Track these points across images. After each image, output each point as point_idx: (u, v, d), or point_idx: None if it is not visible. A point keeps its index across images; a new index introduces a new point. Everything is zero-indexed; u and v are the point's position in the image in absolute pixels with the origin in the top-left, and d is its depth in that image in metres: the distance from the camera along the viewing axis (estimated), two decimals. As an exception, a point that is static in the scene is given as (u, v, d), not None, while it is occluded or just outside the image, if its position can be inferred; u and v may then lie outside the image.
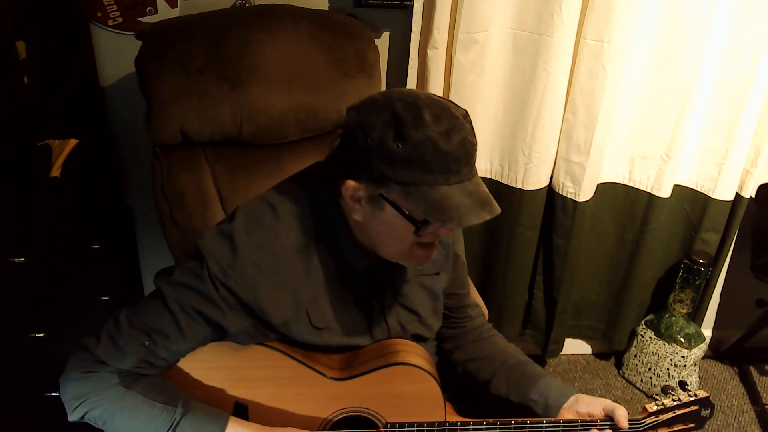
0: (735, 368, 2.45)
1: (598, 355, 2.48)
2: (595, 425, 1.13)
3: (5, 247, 1.24)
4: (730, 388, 2.37)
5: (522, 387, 1.23)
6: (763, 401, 2.30)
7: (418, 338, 1.25)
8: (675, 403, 1.16)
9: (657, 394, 1.18)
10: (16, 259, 1.24)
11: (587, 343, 2.47)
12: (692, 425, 1.18)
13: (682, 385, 1.20)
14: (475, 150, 0.98)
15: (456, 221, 0.94)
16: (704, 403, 1.17)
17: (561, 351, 2.31)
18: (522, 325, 2.26)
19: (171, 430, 1.00)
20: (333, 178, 1.03)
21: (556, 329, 2.21)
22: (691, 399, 1.17)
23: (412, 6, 1.73)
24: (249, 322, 1.06)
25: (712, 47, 1.79)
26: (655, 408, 1.16)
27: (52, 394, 1.33)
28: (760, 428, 2.20)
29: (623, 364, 2.37)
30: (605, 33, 1.70)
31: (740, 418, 2.23)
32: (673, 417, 1.16)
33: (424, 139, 0.91)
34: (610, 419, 1.14)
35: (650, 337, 2.24)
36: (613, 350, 2.42)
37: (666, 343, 2.20)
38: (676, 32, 1.78)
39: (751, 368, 2.44)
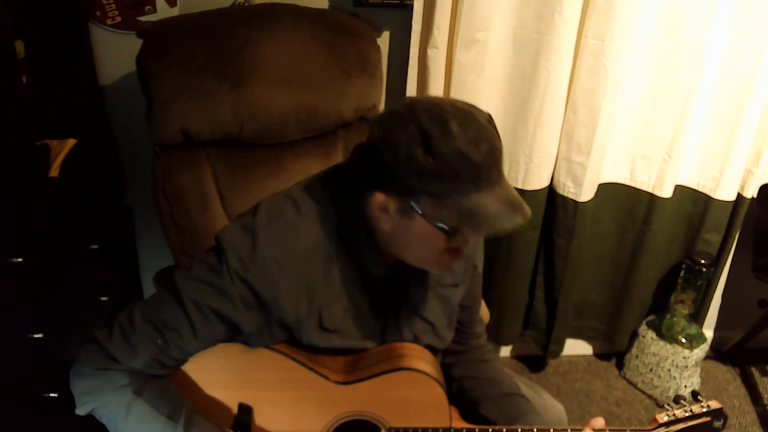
0: (736, 369, 2.45)
1: (599, 355, 2.47)
2: None
3: (5, 247, 1.24)
4: (731, 388, 2.36)
5: (511, 418, 1.22)
6: (765, 402, 2.30)
7: (430, 349, 1.24)
8: (686, 414, 1.13)
9: (668, 404, 1.15)
10: (16, 259, 1.24)
11: (588, 343, 2.46)
12: None
13: (695, 395, 1.17)
14: (502, 154, 0.97)
15: (489, 228, 0.94)
16: (717, 414, 1.14)
17: (562, 351, 2.31)
18: (523, 325, 2.26)
19: None
20: (356, 186, 1.02)
21: (557, 330, 2.20)
22: (704, 410, 1.13)
23: (412, 5, 1.73)
24: (262, 319, 1.06)
25: (713, 47, 1.79)
26: (665, 419, 1.12)
27: (52, 395, 1.32)
28: (762, 429, 2.19)
29: (624, 365, 2.37)
30: (606, 32, 1.70)
31: (742, 419, 2.22)
32: (684, 429, 1.13)
33: (454, 152, 0.91)
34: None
35: (651, 338, 2.23)
36: (614, 351, 2.41)
37: (667, 344, 2.20)
38: (677, 32, 1.78)
39: (753, 369, 2.44)
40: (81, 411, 1.02)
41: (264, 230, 1.02)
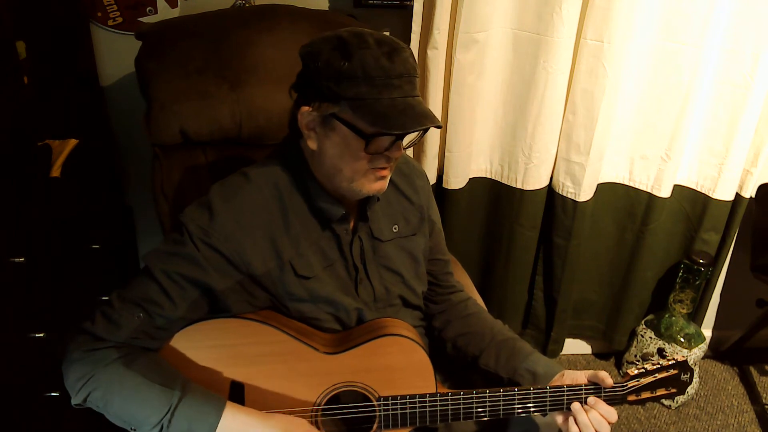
0: (735, 368, 2.46)
1: (598, 355, 2.48)
2: (580, 390, 1.15)
3: (5, 247, 1.24)
4: (730, 388, 2.37)
5: (511, 363, 1.26)
6: (763, 401, 2.31)
7: (405, 303, 1.29)
8: (655, 367, 1.19)
9: (637, 360, 1.19)
10: (16, 259, 1.24)
11: (587, 343, 2.47)
12: (674, 390, 1.21)
13: (660, 351, 1.22)
14: (416, 72, 1.06)
15: (400, 128, 1.02)
16: (683, 366, 1.20)
17: (561, 351, 2.32)
18: (522, 325, 2.27)
19: (169, 412, 1.00)
20: (294, 130, 1.12)
21: (556, 329, 2.21)
22: (670, 363, 1.20)
23: (412, 6, 1.73)
24: (234, 279, 1.10)
25: (712, 47, 1.79)
26: (636, 372, 1.18)
27: (52, 394, 1.33)
28: (760, 428, 2.20)
29: (623, 364, 2.37)
30: (605, 33, 1.71)
31: (740, 418, 2.23)
32: (654, 381, 1.18)
33: (368, 56, 1.00)
34: (593, 385, 1.16)
35: (650, 337, 2.24)
36: (613, 350, 2.42)
37: (666, 343, 2.20)
38: (676, 32, 1.78)
39: (751, 368, 2.44)
40: (77, 399, 1.02)
41: (218, 201, 1.10)
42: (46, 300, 1.38)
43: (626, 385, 1.17)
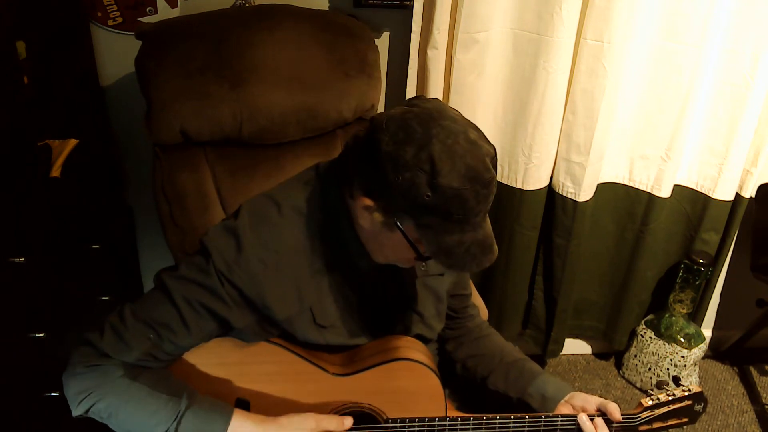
0: (735, 368, 2.46)
1: (598, 355, 2.48)
2: (592, 419, 1.15)
3: (5, 247, 1.24)
4: (730, 388, 2.37)
5: (520, 383, 1.25)
6: (763, 401, 2.31)
7: (420, 339, 1.26)
8: (669, 398, 1.18)
9: (652, 389, 1.19)
10: (16, 259, 1.24)
11: (587, 343, 2.47)
12: (686, 420, 1.20)
13: (676, 380, 1.22)
14: (495, 192, 0.98)
15: (458, 268, 1.00)
16: (697, 398, 1.19)
17: (561, 351, 2.31)
18: (522, 325, 2.27)
19: (176, 421, 0.99)
20: (345, 178, 1.03)
21: (556, 329, 2.21)
22: (685, 394, 1.18)
23: (412, 6, 1.73)
24: (253, 319, 1.07)
25: (712, 47, 1.79)
26: (650, 403, 1.17)
27: (52, 394, 1.33)
28: (760, 428, 2.20)
29: (623, 364, 2.37)
30: (605, 33, 1.70)
31: (740, 418, 2.23)
32: (667, 412, 1.18)
33: (455, 194, 0.91)
34: (603, 414, 1.16)
35: (650, 337, 2.24)
36: (613, 350, 2.42)
37: (666, 343, 2.20)
38: (676, 32, 1.78)
39: (751, 368, 2.44)
40: (77, 411, 1.01)
41: (247, 232, 1.04)
42: (46, 300, 1.38)
43: (639, 416, 1.16)
